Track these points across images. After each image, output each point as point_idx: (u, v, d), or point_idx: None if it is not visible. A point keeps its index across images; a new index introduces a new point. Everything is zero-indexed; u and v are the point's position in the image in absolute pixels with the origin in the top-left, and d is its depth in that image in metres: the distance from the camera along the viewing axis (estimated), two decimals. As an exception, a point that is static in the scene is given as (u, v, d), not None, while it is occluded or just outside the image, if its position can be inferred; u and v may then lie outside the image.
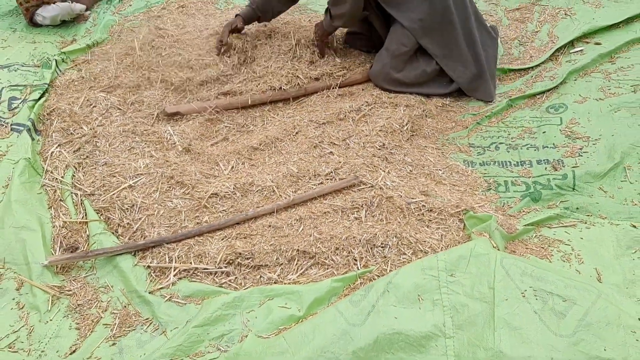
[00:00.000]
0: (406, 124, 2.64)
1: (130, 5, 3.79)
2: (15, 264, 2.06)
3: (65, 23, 3.66)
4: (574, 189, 2.26)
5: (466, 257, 1.86)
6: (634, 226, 2.08)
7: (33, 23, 3.65)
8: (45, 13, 3.56)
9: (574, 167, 2.35)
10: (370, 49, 3.21)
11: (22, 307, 1.93)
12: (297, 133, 2.61)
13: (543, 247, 2.04)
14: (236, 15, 3.12)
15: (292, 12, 3.66)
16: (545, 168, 2.39)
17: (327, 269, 2.01)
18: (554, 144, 2.50)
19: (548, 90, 2.85)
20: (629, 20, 3.24)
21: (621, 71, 2.86)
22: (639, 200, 2.17)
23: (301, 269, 2.01)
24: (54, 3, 3.58)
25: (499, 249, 1.96)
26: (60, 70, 3.14)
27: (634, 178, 2.25)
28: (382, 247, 2.05)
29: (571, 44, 3.18)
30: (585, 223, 2.13)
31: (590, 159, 2.38)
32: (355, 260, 2.02)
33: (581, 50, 3.11)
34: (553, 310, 1.66)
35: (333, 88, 2.90)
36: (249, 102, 2.81)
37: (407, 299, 1.77)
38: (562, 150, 2.45)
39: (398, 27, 2.84)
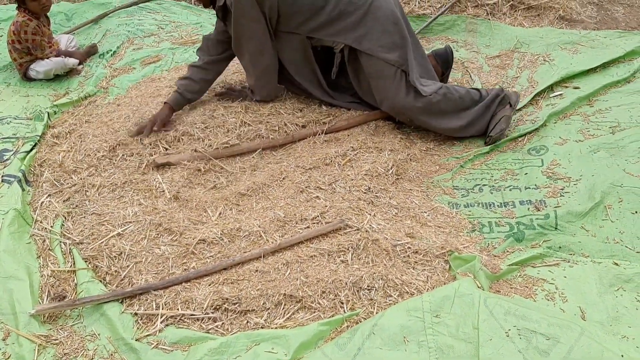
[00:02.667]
0: (391, 168, 2.69)
1: (121, 59, 3.89)
2: (2, 314, 2.05)
3: (59, 77, 3.76)
4: (556, 228, 2.30)
5: (450, 298, 1.88)
6: (616, 264, 2.11)
7: (27, 77, 3.75)
8: (38, 67, 3.67)
9: (556, 207, 2.40)
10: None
11: (8, 358, 1.92)
12: (284, 178, 2.65)
13: (527, 287, 2.06)
14: (165, 103, 3.03)
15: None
16: (528, 208, 2.43)
17: (314, 312, 2.01)
18: (536, 184, 2.55)
19: (529, 133, 2.92)
20: (605, 65, 3.36)
21: (599, 113, 2.95)
22: (620, 238, 2.21)
23: (288, 313, 2.02)
24: (47, 58, 3.69)
25: (483, 289, 1.98)
26: (52, 122, 3.20)
27: (614, 217, 2.29)
28: (368, 289, 2.06)
29: (550, 88, 3.28)
30: (569, 262, 2.16)
31: (571, 199, 2.42)
32: (342, 303, 2.03)
33: (560, 94, 3.21)
34: (537, 348, 1.67)
35: (319, 134, 2.96)
36: (239, 151, 2.87)
37: (393, 341, 1.78)
38: (544, 191, 2.50)
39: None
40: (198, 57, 3.12)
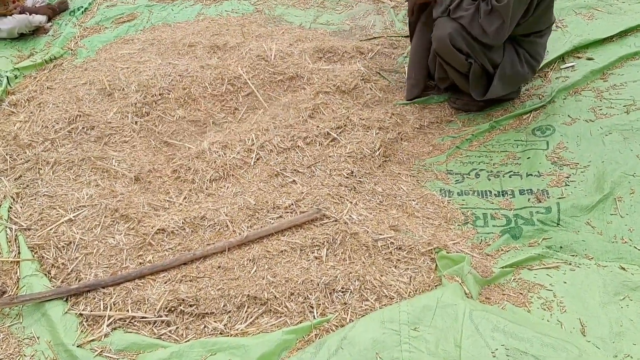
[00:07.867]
0: (378, 149, 2.42)
1: (93, 17, 3.58)
2: None
3: (24, 36, 3.47)
4: (558, 224, 2.05)
5: (432, 308, 1.65)
6: (623, 268, 1.86)
7: (-11, 36, 3.45)
8: (1, 25, 3.37)
9: (559, 198, 2.14)
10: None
11: None
12: (257, 160, 2.39)
13: (522, 293, 1.82)
14: None
15: (265, 24, 3.46)
16: (529, 199, 2.18)
17: (280, 317, 1.80)
18: (538, 171, 2.29)
19: (535, 110, 2.64)
20: (622, 34, 3.04)
21: (614, 89, 2.66)
22: (630, 237, 1.96)
23: (251, 317, 1.80)
24: (10, 15, 3.38)
25: (471, 296, 1.76)
26: (11, 87, 2.93)
27: (624, 211, 2.04)
28: (342, 292, 1.84)
29: (562, 58, 2.97)
30: (570, 264, 1.91)
31: (577, 189, 2.17)
32: (312, 307, 1.81)
33: (572, 66, 2.90)
34: (527, 375, 1.45)
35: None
36: None
37: (363, 357, 1.57)
38: (548, 179, 2.24)
39: None
40: None
